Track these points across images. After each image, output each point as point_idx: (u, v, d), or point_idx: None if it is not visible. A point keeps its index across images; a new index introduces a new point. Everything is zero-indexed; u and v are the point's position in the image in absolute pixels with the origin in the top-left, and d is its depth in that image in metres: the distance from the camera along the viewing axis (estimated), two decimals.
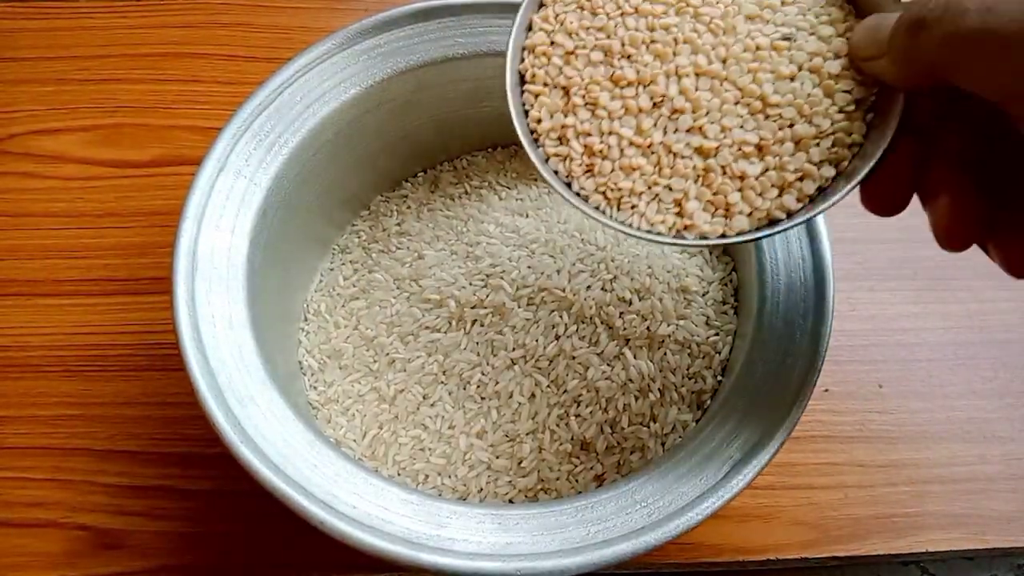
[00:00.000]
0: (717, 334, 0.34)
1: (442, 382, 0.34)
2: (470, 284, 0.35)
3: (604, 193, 0.26)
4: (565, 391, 0.33)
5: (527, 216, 0.37)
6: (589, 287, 0.34)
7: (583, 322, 0.34)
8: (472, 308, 0.34)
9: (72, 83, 0.47)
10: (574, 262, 0.34)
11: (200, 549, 0.35)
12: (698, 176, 0.25)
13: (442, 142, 0.41)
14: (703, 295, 0.35)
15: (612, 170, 0.25)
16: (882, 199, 0.24)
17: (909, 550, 0.37)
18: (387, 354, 0.35)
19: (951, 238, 0.22)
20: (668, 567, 0.37)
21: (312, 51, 0.34)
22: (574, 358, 0.33)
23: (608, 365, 0.33)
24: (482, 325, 0.34)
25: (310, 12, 0.51)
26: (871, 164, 0.23)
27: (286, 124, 0.33)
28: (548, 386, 0.33)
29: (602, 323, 0.33)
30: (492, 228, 0.36)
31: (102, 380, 0.39)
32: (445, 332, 0.34)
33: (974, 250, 0.47)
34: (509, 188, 0.39)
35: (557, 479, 0.32)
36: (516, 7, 0.36)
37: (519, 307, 0.34)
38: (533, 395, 0.33)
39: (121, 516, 0.36)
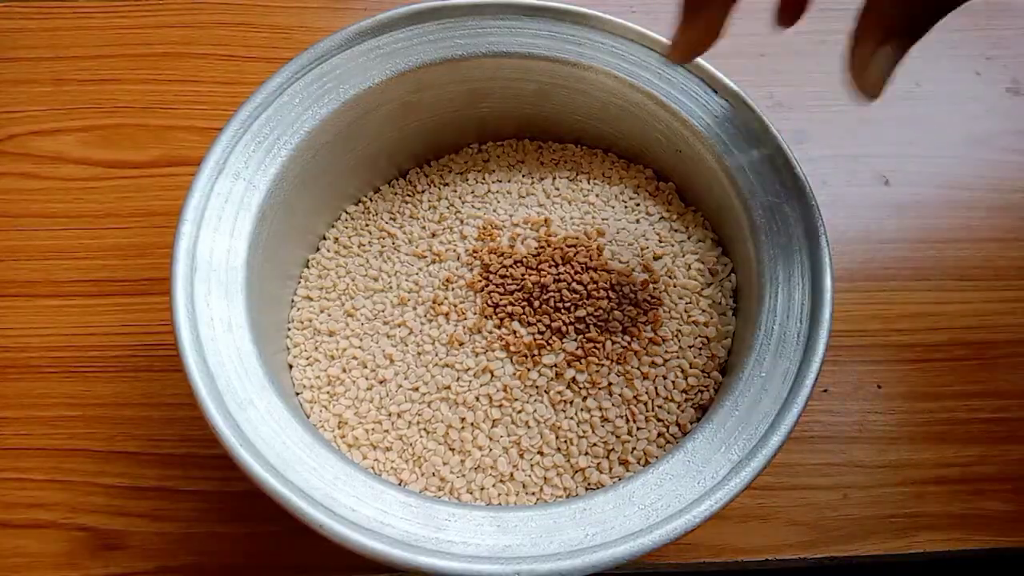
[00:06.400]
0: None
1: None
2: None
3: None
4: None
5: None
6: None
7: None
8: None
9: (71, 83, 0.47)
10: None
11: (200, 550, 0.36)
12: None
13: (442, 143, 0.41)
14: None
15: None
16: None
17: (908, 550, 0.37)
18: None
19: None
20: (667, 567, 0.37)
21: (311, 52, 0.34)
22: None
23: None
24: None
25: (310, 12, 0.51)
26: None
27: (285, 126, 0.33)
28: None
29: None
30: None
31: (101, 381, 0.39)
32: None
33: (974, 250, 0.47)
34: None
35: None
36: (515, 8, 0.36)
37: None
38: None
39: (121, 517, 0.36)
